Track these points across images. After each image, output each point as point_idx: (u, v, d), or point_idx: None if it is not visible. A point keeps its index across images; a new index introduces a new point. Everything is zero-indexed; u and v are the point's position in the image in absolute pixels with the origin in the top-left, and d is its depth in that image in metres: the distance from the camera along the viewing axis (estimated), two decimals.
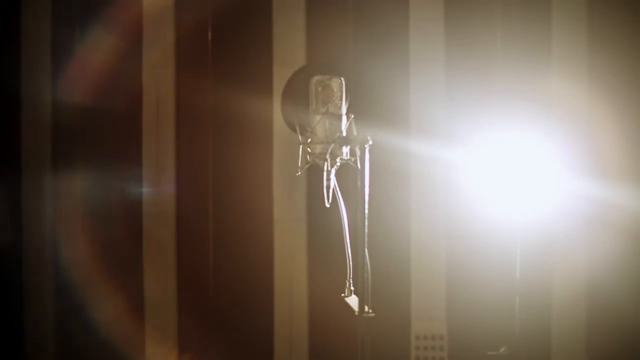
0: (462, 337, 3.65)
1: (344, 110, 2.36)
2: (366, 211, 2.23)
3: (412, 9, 3.68)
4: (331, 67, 3.03)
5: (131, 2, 3.76)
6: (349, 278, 2.40)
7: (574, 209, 3.49)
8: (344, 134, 2.34)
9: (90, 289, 3.78)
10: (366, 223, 2.23)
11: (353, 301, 2.33)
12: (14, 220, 3.81)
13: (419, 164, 3.59)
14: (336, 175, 2.39)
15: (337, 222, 2.48)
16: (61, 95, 3.81)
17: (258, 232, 3.74)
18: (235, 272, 3.76)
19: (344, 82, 2.37)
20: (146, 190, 3.77)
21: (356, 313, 2.24)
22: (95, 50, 3.73)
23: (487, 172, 3.49)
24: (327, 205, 2.39)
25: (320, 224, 3.64)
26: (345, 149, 2.34)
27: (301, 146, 2.39)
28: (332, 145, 2.31)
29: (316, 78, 2.36)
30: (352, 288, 2.37)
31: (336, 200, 2.39)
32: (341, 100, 2.35)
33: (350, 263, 2.37)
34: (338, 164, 2.36)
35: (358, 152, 2.28)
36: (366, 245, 2.25)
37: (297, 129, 2.39)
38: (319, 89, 2.35)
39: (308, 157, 2.38)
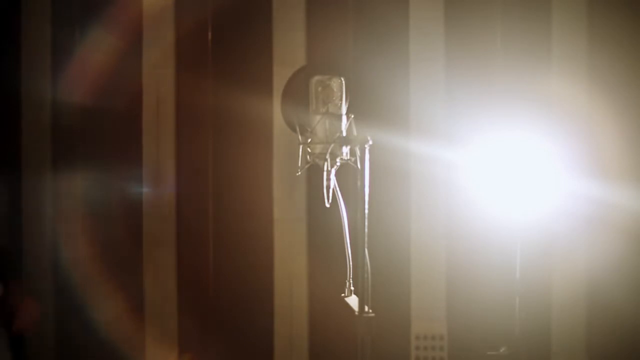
0: (462, 337, 3.65)
1: (344, 110, 2.36)
2: (366, 211, 2.23)
3: (412, 9, 3.68)
4: (331, 67, 3.03)
5: (131, 2, 3.76)
6: (349, 278, 2.39)
7: (574, 209, 3.49)
8: (344, 134, 2.34)
9: (90, 289, 3.78)
10: (366, 223, 2.23)
11: (353, 301, 2.33)
12: (14, 220, 3.81)
13: (419, 164, 3.59)
14: (336, 175, 2.39)
15: (337, 222, 2.48)
16: (61, 95, 3.81)
17: (258, 232, 3.74)
18: (235, 272, 3.76)
19: (344, 82, 2.36)
20: (146, 190, 3.76)
21: (356, 313, 2.24)
22: (95, 50, 3.73)
23: (487, 172, 3.49)
24: (327, 205, 2.39)
25: (320, 224, 3.64)
26: (345, 149, 2.34)
27: (301, 146, 2.39)
28: (332, 145, 2.31)
29: (316, 78, 2.35)
30: (352, 288, 2.37)
31: (336, 200, 2.39)
32: (341, 100, 2.35)
33: (350, 263, 2.37)
34: (338, 164, 2.36)
35: (358, 152, 2.28)
36: (366, 245, 2.25)
37: (297, 129, 2.39)
38: (319, 89, 2.34)
39: (308, 157, 2.38)
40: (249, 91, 3.68)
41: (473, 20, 3.66)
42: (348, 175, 2.38)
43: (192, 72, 3.79)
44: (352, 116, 2.38)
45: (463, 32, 3.66)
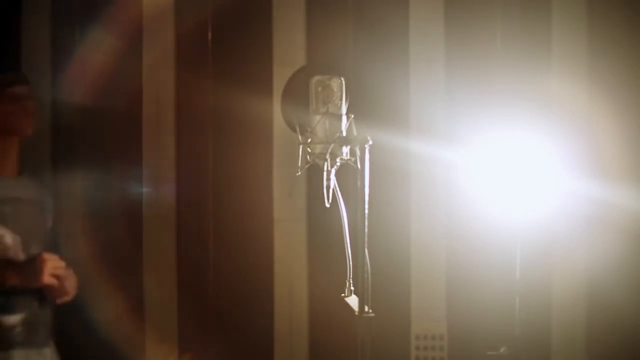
0: (462, 337, 3.65)
1: (344, 110, 2.36)
2: (366, 211, 2.23)
3: (412, 9, 3.69)
4: (331, 67, 3.03)
5: (131, 2, 3.76)
6: (349, 278, 2.40)
7: (574, 209, 3.49)
8: (344, 134, 2.34)
9: (90, 289, 3.78)
10: (366, 223, 2.23)
11: (353, 301, 2.33)
12: None
13: (419, 164, 3.59)
14: (336, 175, 2.39)
15: (337, 222, 2.49)
16: (61, 95, 3.81)
17: (258, 232, 3.74)
18: (235, 272, 3.76)
19: (344, 82, 2.36)
20: (146, 190, 3.76)
21: (356, 313, 2.24)
22: (95, 50, 3.73)
23: (487, 172, 3.49)
24: (327, 205, 2.39)
25: (320, 224, 3.64)
26: (345, 149, 2.34)
27: (301, 146, 2.39)
28: (332, 145, 2.31)
29: (316, 78, 2.36)
30: (352, 288, 2.37)
31: (336, 200, 2.39)
32: (341, 100, 2.35)
33: (350, 263, 2.37)
34: (338, 164, 2.36)
35: (358, 152, 2.28)
36: (366, 245, 2.25)
37: (297, 129, 2.39)
38: (319, 89, 2.35)
39: (308, 157, 2.38)
40: (249, 91, 3.68)
41: (473, 20, 3.66)
42: (348, 175, 2.38)
43: (192, 72, 3.79)
44: (352, 116, 2.38)
45: (463, 32, 3.66)
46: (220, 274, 3.79)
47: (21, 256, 2.80)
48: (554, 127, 3.52)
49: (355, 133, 2.37)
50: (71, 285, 2.90)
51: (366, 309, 2.22)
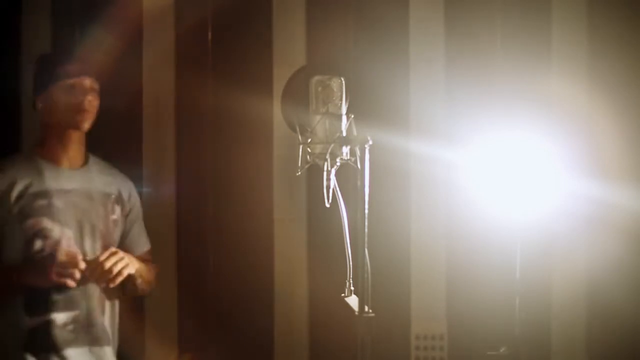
0: (462, 337, 3.65)
1: (344, 110, 2.37)
2: (366, 211, 2.23)
3: (412, 9, 3.68)
4: (331, 67, 3.04)
5: (131, 2, 3.76)
6: (349, 278, 2.40)
7: (574, 209, 3.49)
8: (344, 134, 2.34)
9: None
10: (366, 223, 2.23)
11: (353, 301, 2.33)
12: None
13: (419, 164, 3.59)
14: (336, 175, 2.39)
15: (337, 222, 2.49)
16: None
17: (258, 232, 3.74)
18: (235, 272, 3.76)
19: (344, 82, 2.37)
20: (146, 190, 3.76)
21: (356, 313, 2.24)
22: (95, 50, 3.73)
23: (487, 172, 3.49)
24: (327, 205, 2.39)
25: (320, 224, 3.64)
26: (345, 149, 2.34)
27: (301, 146, 2.39)
28: (332, 145, 2.31)
29: (316, 78, 2.36)
30: (352, 288, 2.37)
31: (336, 200, 2.39)
32: (341, 100, 2.35)
33: (350, 263, 2.37)
34: (338, 164, 2.36)
35: (358, 152, 2.28)
36: (366, 245, 2.25)
37: (297, 129, 2.40)
38: (319, 89, 2.35)
39: (308, 157, 2.38)
40: (249, 91, 3.68)
41: (473, 20, 3.66)
42: (348, 175, 2.38)
43: (192, 72, 3.79)
44: (352, 116, 2.38)
45: (463, 32, 3.66)
46: (220, 274, 3.79)
47: (75, 251, 2.76)
48: (554, 127, 3.51)
49: (355, 133, 2.37)
50: (138, 278, 2.89)
51: (366, 309, 2.22)
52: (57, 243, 2.75)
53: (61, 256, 2.70)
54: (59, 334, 2.75)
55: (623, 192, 3.47)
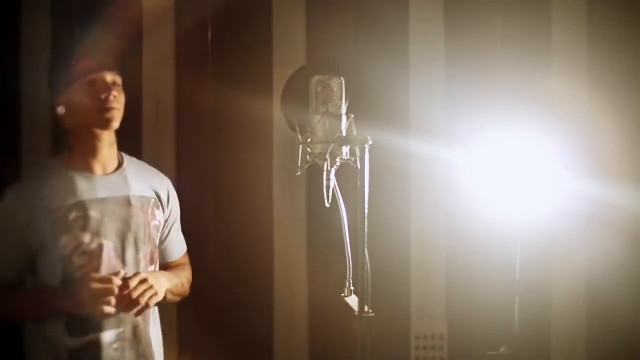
0: (462, 337, 3.65)
1: (344, 110, 2.37)
2: (366, 211, 2.23)
3: (412, 9, 3.68)
4: (331, 67, 3.03)
5: (131, 2, 3.76)
6: (349, 278, 2.40)
7: (574, 209, 3.49)
8: (344, 134, 2.34)
9: None
10: (366, 223, 2.23)
11: (353, 301, 2.33)
12: None
13: (419, 164, 3.59)
14: (336, 175, 2.39)
15: (337, 222, 2.49)
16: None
17: (258, 232, 3.74)
18: (235, 272, 3.76)
19: (344, 82, 2.37)
20: None
21: (356, 313, 2.24)
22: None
23: (487, 172, 3.49)
24: (327, 205, 2.39)
25: (320, 224, 3.64)
26: (345, 149, 2.34)
27: (301, 146, 2.39)
28: (332, 145, 2.31)
29: (316, 78, 2.36)
30: (352, 288, 2.37)
31: (336, 200, 2.39)
32: (341, 100, 2.35)
33: (350, 263, 2.37)
34: (338, 164, 2.36)
35: (358, 152, 2.28)
36: (366, 245, 2.25)
37: (297, 129, 2.40)
38: (319, 89, 2.35)
39: (308, 157, 2.38)
40: (249, 91, 3.68)
41: (473, 20, 3.66)
42: (348, 175, 2.38)
43: (192, 72, 3.79)
44: (352, 116, 2.38)
45: (463, 32, 3.66)
46: (220, 274, 3.78)
47: (117, 264, 2.54)
48: (554, 127, 3.52)
49: (355, 133, 2.37)
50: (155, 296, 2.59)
51: (366, 309, 2.22)
52: (97, 258, 2.52)
53: (95, 284, 2.45)
54: (106, 355, 2.55)
55: (623, 192, 3.47)
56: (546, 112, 3.55)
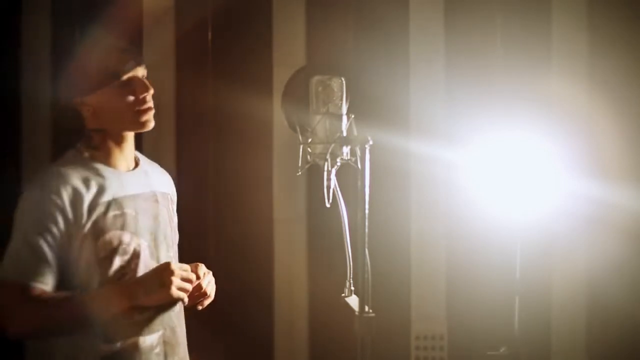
0: (462, 337, 3.65)
1: (344, 110, 2.36)
2: (366, 211, 2.23)
3: (412, 9, 3.69)
4: (331, 67, 3.03)
5: (131, 2, 3.76)
6: (349, 278, 2.39)
7: (574, 209, 3.49)
8: (344, 134, 2.34)
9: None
10: (366, 223, 2.23)
11: (353, 301, 2.33)
12: (14, 220, 3.80)
13: (419, 164, 3.59)
14: (336, 175, 2.39)
15: (337, 222, 2.48)
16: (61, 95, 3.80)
17: (258, 232, 3.74)
18: (235, 272, 3.76)
19: (344, 82, 2.36)
20: None
21: (356, 313, 2.24)
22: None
23: (487, 172, 3.49)
24: (327, 205, 2.39)
25: (320, 224, 3.64)
26: (346, 149, 2.34)
27: (301, 146, 2.39)
28: (333, 145, 2.31)
29: (316, 78, 2.35)
30: (352, 288, 2.37)
31: (336, 200, 2.39)
32: (341, 100, 2.35)
33: (350, 263, 2.37)
34: (338, 164, 2.36)
35: (358, 152, 2.28)
36: (366, 245, 2.25)
37: (298, 129, 2.39)
38: (319, 89, 2.34)
39: (308, 157, 2.38)
40: (249, 91, 3.68)
41: (473, 20, 3.66)
42: (348, 175, 2.38)
43: (192, 72, 3.79)
44: (352, 116, 2.38)
45: (463, 32, 3.66)
46: (220, 274, 3.78)
47: (152, 263, 2.36)
48: (554, 127, 3.52)
49: (355, 133, 2.37)
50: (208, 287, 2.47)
51: (366, 309, 2.22)
52: (136, 258, 2.33)
53: (178, 269, 2.28)
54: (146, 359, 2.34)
55: (623, 192, 3.48)
56: (546, 112, 3.55)
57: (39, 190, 2.31)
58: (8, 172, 3.79)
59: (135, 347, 2.31)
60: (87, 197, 2.28)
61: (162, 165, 3.65)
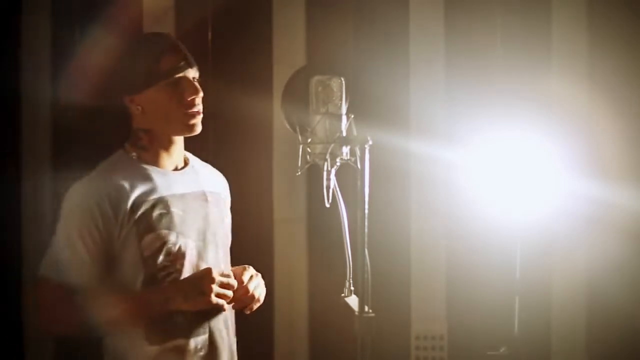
0: (462, 337, 3.65)
1: (344, 110, 2.36)
2: (366, 211, 2.23)
3: (412, 9, 3.69)
4: (331, 67, 3.02)
5: (131, 2, 3.76)
6: (349, 278, 2.39)
7: (574, 209, 3.49)
8: (344, 134, 2.34)
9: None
10: (366, 223, 2.23)
11: (353, 301, 2.33)
12: (13, 220, 3.81)
13: (419, 164, 3.59)
14: (336, 175, 2.39)
15: (336, 222, 2.48)
16: (61, 95, 3.81)
17: (258, 232, 3.74)
18: None
19: (344, 82, 2.36)
20: None
21: (356, 313, 2.24)
22: (95, 50, 3.73)
23: (487, 172, 3.49)
24: (327, 205, 2.38)
25: (320, 224, 3.64)
26: (345, 149, 2.34)
27: (301, 146, 2.39)
28: (332, 145, 2.31)
29: (316, 78, 2.35)
30: (352, 288, 2.37)
31: (336, 200, 2.39)
32: (341, 100, 2.35)
33: (350, 263, 2.37)
34: (338, 164, 2.36)
35: (358, 152, 2.28)
36: (366, 245, 2.25)
37: (297, 129, 2.39)
38: (319, 89, 2.34)
39: (308, 157, 2.38)
40: (249, 91, 3.68)
41: (473, 20, 3.66)
42: (348, 175, 2.38)
43: None
44: (352, 116, 2.38)
45: (463, 32, 3.66)
46: None
47: (200, 264, 2.32)
48: (554, 127, 3.52)
49: (355, 133, 2.37)
50: (254, 292, 2.42)
51: (366, 309, 2.22)
52: (181, 258, 2.29)
53: (219, 276, 2.26)
54: None
55: (623, 192, 3.48)
56: (546, 112, 3.55)
57: (81, 191, 2.32)
58: (8, 172, 3.78)
59: (180, 349, 2.29)
60: (131, 197, 2.27)
61: None
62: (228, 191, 2.60)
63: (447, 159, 3.55)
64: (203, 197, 2.40)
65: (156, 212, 2.27)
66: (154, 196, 2.29)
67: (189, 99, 2.34)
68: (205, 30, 3.79)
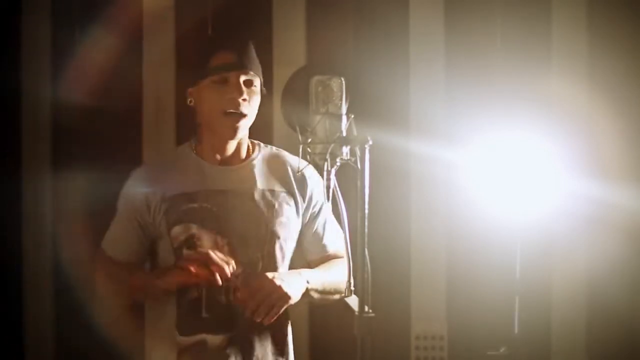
0: (462, 337, 3.65)
1: (344, 110, 2.36)
2: (366, 211, 2.23)
3: (412, 9, 3.69)
4: (331, 67, 3.03)
5: (131, 2, 3.76)
6: (349, 278, 2.39)
7: (574, 209, 3.49)
8: (344, 134, 2.34)
9: (90, 290, 3.78)
10: (366, 223, 2.23)
11: (353, 301, 2.32)
12: (14, 220, 3.81)
13: (419, 164, 3.59)
14: (336, 175, 2.39)
15: (336, 222, 2.49)
16: (61, 95, 3.81)
17: None
18: None
19: (344, 82, 2.36)
20: None
21: (356, 313, 2.24)
22: (95, 50, 3.73)
23: (487, 172, 3.49)
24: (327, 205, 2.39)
25: None
26: (345, 149, 2.33)
27: (301, 146, 2.38)
28: (332, 145, 2.31)
29: (316, 78, 2.35)
30: (352, 288, 2.37)
31: (336, 200, 2.39)
32: (341, 100, 2.35)
33: (350, 263, 2.37)
34: (338, 164, 2.36)
35: (358, 152, 2.28)
36: (366, 245, 2.25)
37: (297, 129, 2.39)
38: (319, 88, 2.34)
39: (308, 157, 2.38)
40: None
41: (473, 20, 3.66)
42: (348, 175, 2.38)
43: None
44: (352, 116, 2.38)
45: (463, 32, 3.66)
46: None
47: (231, 261, 2.33)
48: (554, 127, 3.52)
49: (355, 133, 2.37)
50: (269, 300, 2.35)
51: (366, 309, 2.22)
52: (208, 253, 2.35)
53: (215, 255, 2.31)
54: (214, 358, 2.39)
55: (623, 192, 3.48)
56: (546, 112, 3.55)
57: (134, 175, 2.52)
58: (8, 172, 3.79)
59: (204, 344, 2.40)
60: (166, 189, 2.39)
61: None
62: (306, 188, 2.55)
63: (447, 159, 3.55)
64: (249, 195, 2.44)
65: (186, 206, 2.37)
66: (189, 190, 2.38)
67: (227, 97, 2.37)
68: (205, 30, 3.79)
